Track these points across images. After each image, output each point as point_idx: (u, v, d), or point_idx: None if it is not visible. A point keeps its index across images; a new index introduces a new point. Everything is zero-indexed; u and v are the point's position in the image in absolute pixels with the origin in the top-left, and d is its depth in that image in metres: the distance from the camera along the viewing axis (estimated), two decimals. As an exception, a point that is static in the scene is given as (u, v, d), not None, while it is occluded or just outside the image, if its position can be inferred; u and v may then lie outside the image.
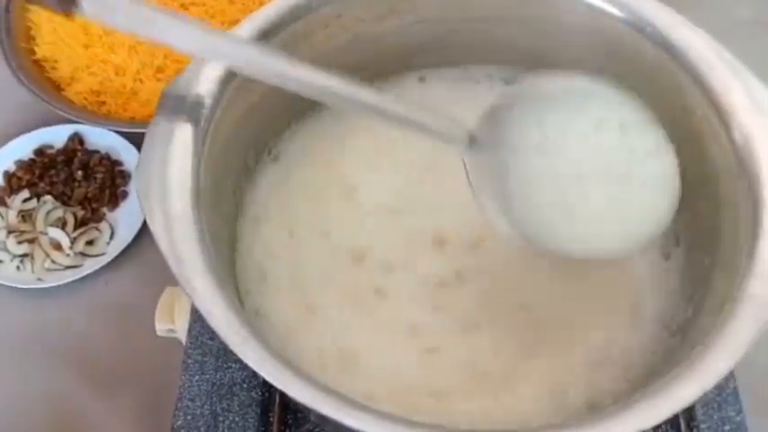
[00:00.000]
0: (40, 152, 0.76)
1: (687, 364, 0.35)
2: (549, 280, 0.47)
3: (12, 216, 0.72)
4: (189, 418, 0.50)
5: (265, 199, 0.51)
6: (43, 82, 0.77)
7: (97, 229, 0.72)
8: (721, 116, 0.42)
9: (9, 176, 0.75)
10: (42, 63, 0.79)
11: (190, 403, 0.51)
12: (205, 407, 0.50)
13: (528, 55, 0.54)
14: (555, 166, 0.41)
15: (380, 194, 0.51)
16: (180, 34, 0.35)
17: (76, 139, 0.76)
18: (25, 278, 0.69)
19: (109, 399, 0.64)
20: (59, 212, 0.72)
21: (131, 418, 0.63)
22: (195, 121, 0.41)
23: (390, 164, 0.52)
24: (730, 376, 0.50)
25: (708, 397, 0.50)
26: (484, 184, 0.41)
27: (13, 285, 0.68)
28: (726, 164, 0.42)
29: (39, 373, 0.66)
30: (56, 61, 0.78)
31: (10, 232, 0.71)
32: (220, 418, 0.50)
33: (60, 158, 0.75)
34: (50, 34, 0.78)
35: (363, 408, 0.33)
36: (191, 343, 0.53)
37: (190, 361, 0.52)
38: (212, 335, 0.50)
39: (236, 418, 0.50)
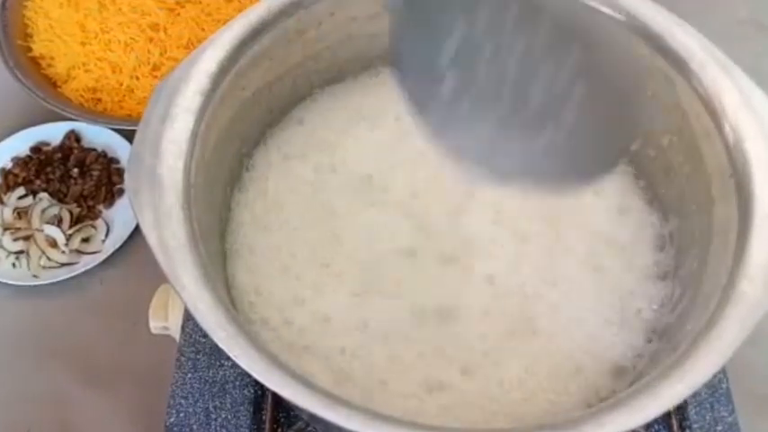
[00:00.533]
0: (36, 149, 0.76)
1: (676, 363, 0.35)
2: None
3: (7, 213, 0.72)
4: (182, 415, 0.50)
5: (255, 196, 0.51)
6: (39, 79, 0.77)
7: (93, 226, 0.72)
8: (713, 115, 0.42)
9: (5, 173, 0.75)
10: (39, 60, 0.79)
11: (183, 401, 0.51)
12: (198, 404, 0.50)
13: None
14: None
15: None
16: None
17: (72, 136, 0.76)
18: (21, 275, 0.69)
19: (103, 395, 0.64)
20: (55, 210, 0.72)
21: (125, 414, 0.63)
22: (187, 118, 0.41)
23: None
24: (722, 376, 0.50)
25: (700, 397, 0.50)
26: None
27: (9, 282, 0.69)
28: (718, 163, 0.42)
29: (33, 370, 0.66)
30: (52, 58, 0.78)
31: (6, 229, 0.72)
32: (213, 416, 0.50)
33: (56, 156, 0.75)
34: (47, 31, 0.79)
35: (348, 404, 0.33)
36: (184, 341, 0.53)
37: (183, 359, 0.52)
38: (205, 333, 0.50)
39: (229, 416, 0.50)
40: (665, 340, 0.44)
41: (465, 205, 0.50)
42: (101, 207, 0.74)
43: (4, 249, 0.71)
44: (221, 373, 0.51)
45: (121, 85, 0.76)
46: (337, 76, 0.55)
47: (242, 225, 0.50)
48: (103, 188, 0.74)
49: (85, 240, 0.71)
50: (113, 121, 0.75)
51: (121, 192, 0.75)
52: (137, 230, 0.70)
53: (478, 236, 0.49)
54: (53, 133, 0.77)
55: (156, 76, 0.76)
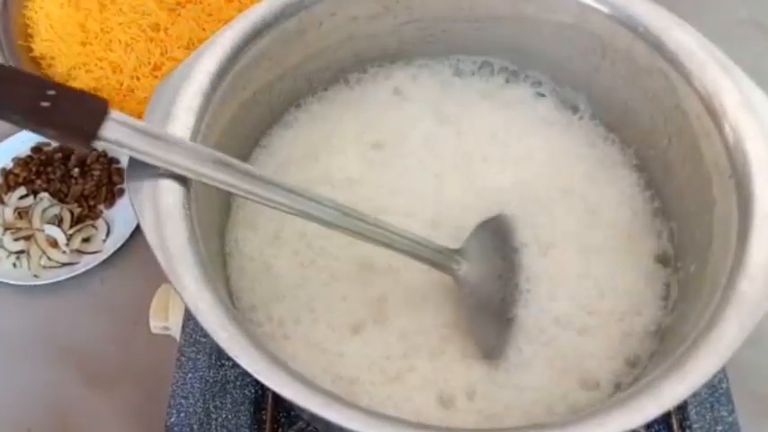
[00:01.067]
0: (36, 149, 0.76)
1: (676, 363, 0.35)
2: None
3: (8, 213, 0.72)
4: (182, 415, 0.50)
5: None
6: (40, 79, 0.77)
7: (93, 226, 0.72)
8: (713, 116, 0.42)
9: (6, 173, 0.75)
10: (39, 60, 0.79)
11: (183, 400, 0.51)
12: (198, 404, 0.51)
13: (522, 53, 0.54)
14: None
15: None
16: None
17: (73, 136, 0.76)
18: (21, 275, 0.70)
19: (104, 395, 0.64)
20: (56, 210, 0.72)
21: (126, 414, 0.63)
22: (188, 118, 0.41)
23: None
24: (722, 376, 0.50)
25: (700, 397, 0.50)
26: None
27: (10, 282, 0.69)
28: (718, 163, 0.42)
29: (34, 370, 0.66)
30: (53, 58, 0.78)
31: (6, 229, 0.72)
32: (213, 416, 0.50)
33: (57, 156, 0.75)
34: (47, 32, 0.79)
35: (348, 404, 0.33)
36: (184, 340, 0.53)
37: (183, 358, 0.52)
38: (206, 332, 0.50)
39: (229, 416, 0.50)
40: (665, 340, 0.44)
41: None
42: (101, 207, 0.74)
43: (5, 249, 0.71)
44: (222, 372, 0.52)
45: (122, 85, 0.76)
46: (337, 76, 0.55)
47: (235, 225, 0.50)
48: (104, 188, 0.74)
49: (86, 240, 0.71)
50: (114, 121, 0.75)
51: (122, 192, 0.75)
52: (137, 230, 0.70)
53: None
54: (54, 133, 0.77)
55: (156, 77, 0.76)
